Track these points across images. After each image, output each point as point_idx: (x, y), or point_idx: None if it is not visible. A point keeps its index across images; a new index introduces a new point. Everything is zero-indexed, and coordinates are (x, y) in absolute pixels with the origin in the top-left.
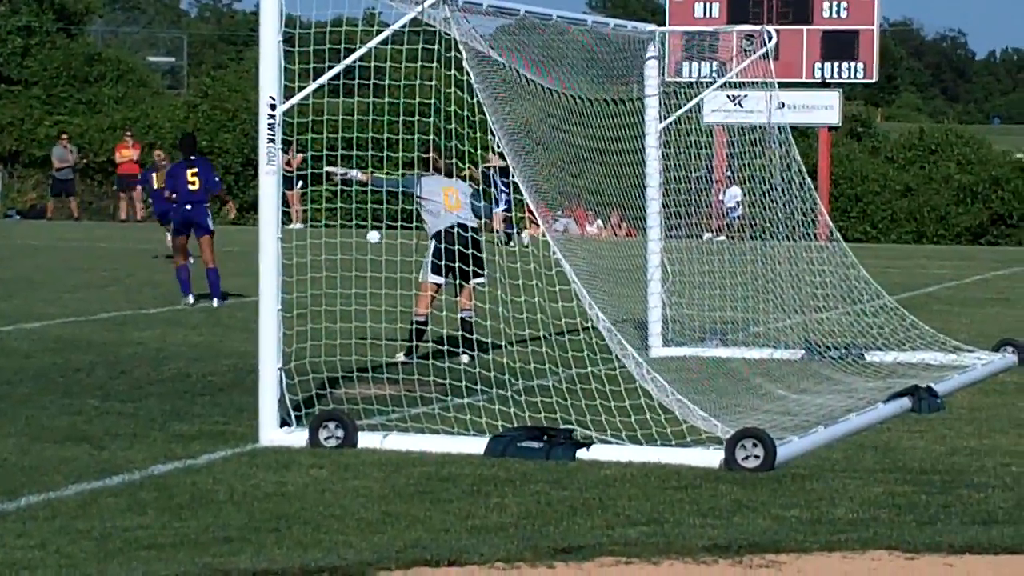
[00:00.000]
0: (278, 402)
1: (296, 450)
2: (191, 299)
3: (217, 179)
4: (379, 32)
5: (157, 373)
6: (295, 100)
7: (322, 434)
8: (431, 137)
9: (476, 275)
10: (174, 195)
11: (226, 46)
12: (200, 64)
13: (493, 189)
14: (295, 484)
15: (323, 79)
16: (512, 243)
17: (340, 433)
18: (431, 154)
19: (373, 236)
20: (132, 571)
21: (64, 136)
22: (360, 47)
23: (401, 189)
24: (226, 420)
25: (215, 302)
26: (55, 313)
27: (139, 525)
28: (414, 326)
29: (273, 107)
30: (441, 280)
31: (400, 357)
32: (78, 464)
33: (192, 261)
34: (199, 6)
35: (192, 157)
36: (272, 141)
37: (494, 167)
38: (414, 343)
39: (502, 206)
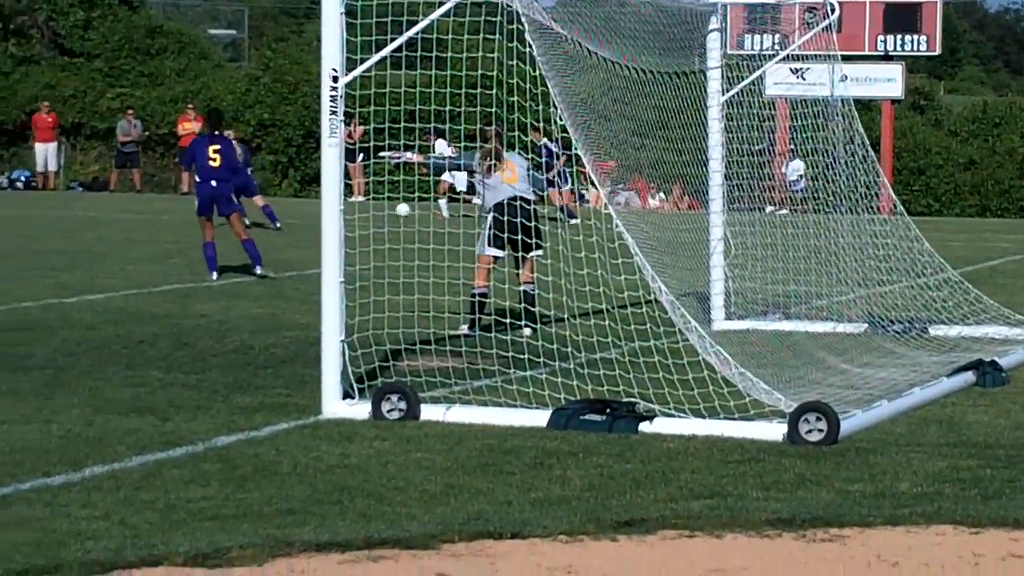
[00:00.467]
0: (341, 374)
1: (359, 422)
2: (215, 276)
3: (243, 158)
4: (441, 4)
5: (220, 345)
6: (357, 72)
7: (384, 406)
8: (493, 110)
9: (537, 247)
10: (192, 168)
11: (287, 18)
12: (261, 36)
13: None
14: (358, 456)
15: (386, 51)
16: (575, 220)
17: (403, 405)
18: (493, 127)
19: (403, 208)
20: (196, 542)
21: (130, 110)
22: (421, 19)
23: (463, 163)
24: (289, 392)
25: (258, 269)
26: (118, 285)
27: (202, 496)
28: (476, 299)
29: (336, 79)
30: (499, 253)
31: (463, 329)
32: (142, 435)
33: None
34: None
35: (216, 133)
36: (334, 113)
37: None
38: (477, 315)
39: (567, 184)
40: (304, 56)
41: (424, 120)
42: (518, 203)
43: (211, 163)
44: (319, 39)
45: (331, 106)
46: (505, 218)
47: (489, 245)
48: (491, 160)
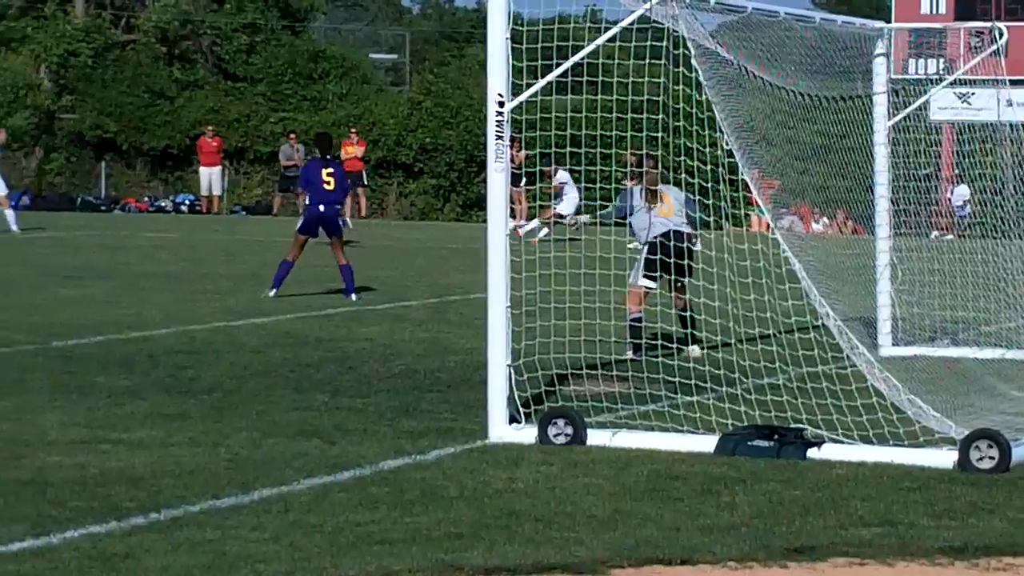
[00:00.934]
0: (507, 399)
1: (525, 447)
2: (272, 293)
3: (347, 183)
4: (602, 29)
5: (385, 369)
6: (523, 97)
7: (551, 431)
8: (658, 134)
9: (689, 272)
10: (306, 193)
11: (448, 43)
12: (422, 61)
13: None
14: (525, 481)
15: (551, 76)
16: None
17: (569, 430)
18: (647, 163)
19: (583, 218)
20: (365, 566)
21: (292, 135)
22: (583, 44)
23: (615, 219)
24: (455, 416)
25: (353, 296)
26: (283, 308)
27: (370, 520)
28: (636, 324)
29: (501, 104)
30: (652, 285)
31: (628, 354)
32: (309, 459)
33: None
34: (421, 3)
35: (327, 157)
36: (500, 138)
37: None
38: (642, 340)
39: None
40: (465, 80)
41: (587, 145)
42: (672, 238)
43: (325, 186)
44: (480, 63)
45: (497, 131)
46: (658, 256)
47: (642, 277)
48: (650, 193)
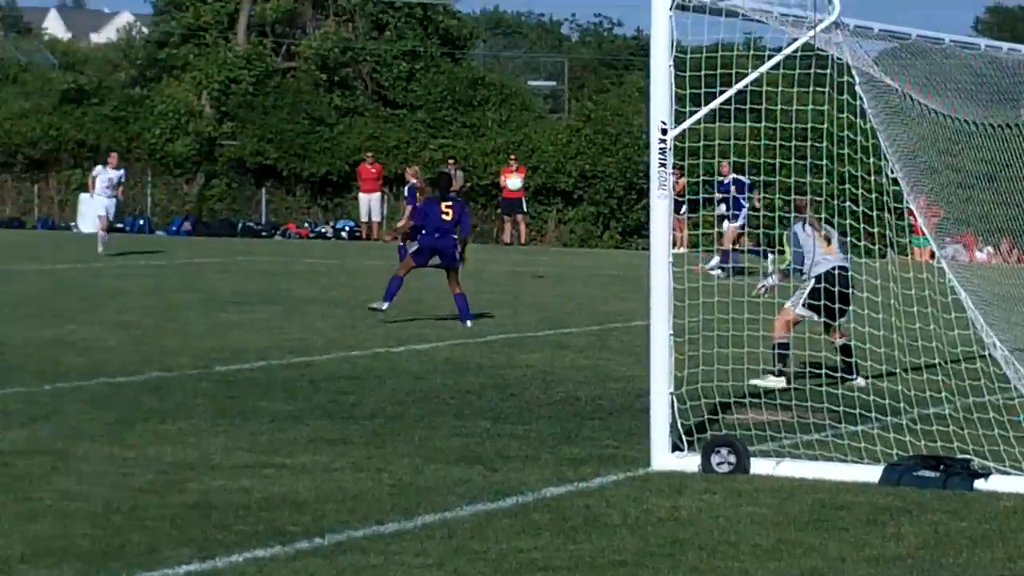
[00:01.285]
0: (669, 427)
1: (688, 475)
2: (384, 306)
3: (468, 224)
4: (763, 56)
5: (546, 396)
6: (686, 125)
7: (714, 459)
8: (823, 162)
9: (842, 313)
10: (412, 227)
11: (606, 70)
12: (581, 88)
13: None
14: (688, 509)
15: (715, 103)
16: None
17: (732, 459)
18: (807, 200)
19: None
20: None
21: (452, 161)
22: (744, 71)
23: (794, 267)
24: (617, 444)
25: (468, 323)
26: (444, 335)
27: (533, 547)
28: (784, 351)
29: (664, 132)
30: (811, 315)
31: (780, 383)
32: (472, 485)
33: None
34: (580, 31)
35: (447, 195)
36: (663, 165)
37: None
38: (789, 368)
39: (740, 220)
40: (625, 107)
41: (749, 173)
42: (836, 273)
43: (443, 216)
44: (639, 91)
45: (660, 158)
46: (823, 285)
47: (804, 306)
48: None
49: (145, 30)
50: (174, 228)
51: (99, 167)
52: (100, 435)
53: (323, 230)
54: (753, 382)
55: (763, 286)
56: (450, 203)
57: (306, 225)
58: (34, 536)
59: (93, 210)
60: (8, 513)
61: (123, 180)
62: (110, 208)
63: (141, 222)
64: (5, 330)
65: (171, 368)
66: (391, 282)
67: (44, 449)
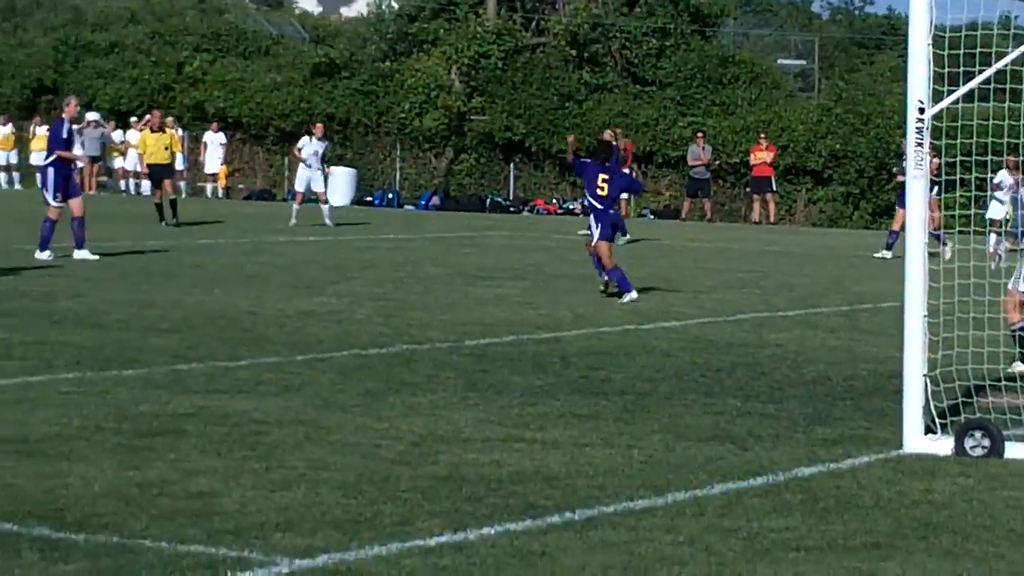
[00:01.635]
0: (923, 409)
1: (941, 458)
2: (632, 295)
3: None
4: (1020, 37)
5: (797, 375)
6: (944, 104)
7: (968, 443)
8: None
9: None
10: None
11: (857, 49)
12: (831, 67)
13: None
14: (941, 492)
15: (973, 83)
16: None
17: (986, 442)
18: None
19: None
20: (781, 572)
21: (700, 134)
22: (1000, 51)
23: (1021, 229)
24: (868, 425)
25: (626, 297)
26: (693, 313)
27: (785, 527)
28: (1017, 334)
29: (922, 111)
30: None
31: (1019, 367)
32: (722, 464)
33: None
34: (831, 9)
35: (607, 163)
36: (920, 145)
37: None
38: None
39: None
40: (877, 87)
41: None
42: None
43: (599, 191)
44: (891, 70)
45: (917, 138)
46: None
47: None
48: None
49: (395, 4)
50: (422, 203)
51: (305, 138)
52: (351, 406)
53: (571, 206)
54: (1011, 368)
55: (997, 254)
56: (607, 176)
57: (555, 201)
58: (288, 504)
59: (302, 181)
60: (263, 481)
61: (328, 151)
62: (314, 180)
63: (390, 196)
64: (258, 301)
65: (421, 341)
66: (611, 274)
67: (297, 419)
